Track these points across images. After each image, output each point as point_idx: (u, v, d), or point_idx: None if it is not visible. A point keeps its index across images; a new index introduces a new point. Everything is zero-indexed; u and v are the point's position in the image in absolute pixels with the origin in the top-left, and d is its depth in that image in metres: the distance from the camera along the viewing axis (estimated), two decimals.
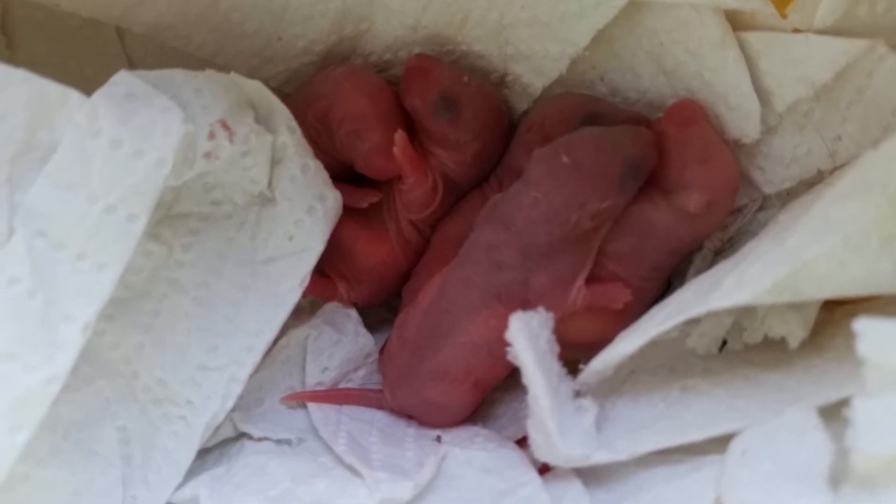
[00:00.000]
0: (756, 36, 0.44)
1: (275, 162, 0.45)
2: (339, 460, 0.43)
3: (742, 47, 0.44)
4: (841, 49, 0.41)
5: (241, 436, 0.47)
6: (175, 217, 0.45)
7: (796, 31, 0.42)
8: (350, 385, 0.50)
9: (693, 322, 0.42)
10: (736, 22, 0.44)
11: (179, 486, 0.43)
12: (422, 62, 0.48)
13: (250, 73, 0.47)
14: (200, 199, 0.45)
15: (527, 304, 0.43)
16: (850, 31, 0.41)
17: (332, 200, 0.47)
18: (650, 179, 0.45)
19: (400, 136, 0.48)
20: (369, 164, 0.49)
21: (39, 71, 0.39)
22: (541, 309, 0.41)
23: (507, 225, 0.44)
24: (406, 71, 0.49)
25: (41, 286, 0.37)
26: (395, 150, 0.48)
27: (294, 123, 0.45)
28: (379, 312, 0.55)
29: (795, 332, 0.40)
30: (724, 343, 0.44)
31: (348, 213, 0.49)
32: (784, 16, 0.42)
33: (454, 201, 0.52)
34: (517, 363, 0.39)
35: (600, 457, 0.38)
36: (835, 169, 0.45)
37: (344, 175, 0.51)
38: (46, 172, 0.38)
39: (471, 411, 0.48)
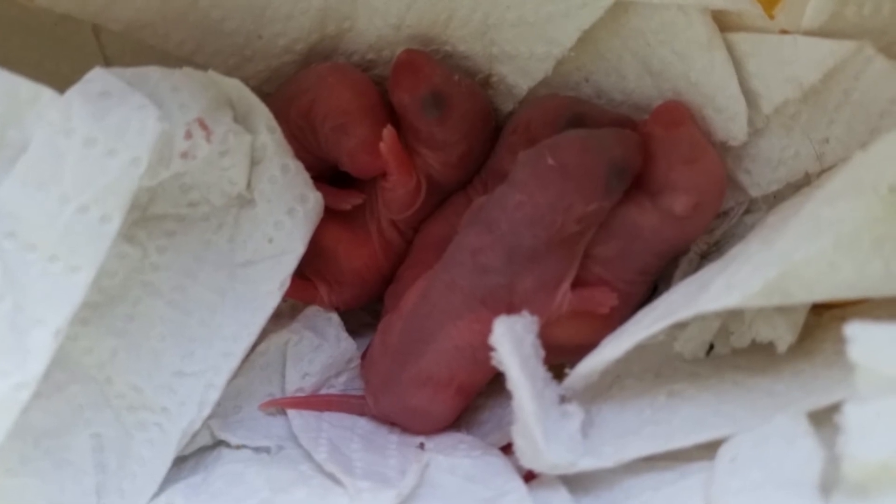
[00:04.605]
0: (743, 37, 0.43)
1: (254, 162, 0.45)
2: (319, 468, 0.42)
3: (729, 48, 0.44)
4: (828, 51, 0.41)
5: (219, 443, 0.46)
6: (150, 218, 0.44)
7: (784, 32, 0.42)
8: (331, 391, 0.49)
9: (680, 326, 0.42)
10: (723, 23, 0.44)
11: (155, 495, 0.43)
12: (412, 57, 0.47)
13: (230, 72, 0.46)
14: (177, 200, 0.44)
15: (512, 309, 0.43)
16: (838, 33, 0.41)
17: (312, 202, 0.46)
18: (636, 182, 0.45)
19: (389, 131, 0.47)
20: (354, 160, 0.48)
21: (14, 69, 0.38)
22: (525, 313, 0.41)
23: (492, 228, 0.44)
24: (395, 65, 0.48)
25: (11, 289, 0.36)
26: (382, 145, 0.47)
27: (274, 123, 0.45)
28: (361, 316, 0.54)
29: (783, 337, 0.39)
30: (711, 347, 0.43)
31: (329, 215, 0.48)
32: (772, 17, 0.42)
33: (437, 203, 0.52)
34: (501, 368, 0.39)
35: (586, 463, 0.38)
36: (822, 171, 0.45)
37: (326, 176, 0.50)
38: (17, 172, 0.37)
39: (454, 417, 0.47)
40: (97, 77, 0.39)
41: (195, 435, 0.44)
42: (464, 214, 0.47)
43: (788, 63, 0.42)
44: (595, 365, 0.39)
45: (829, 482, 0.32)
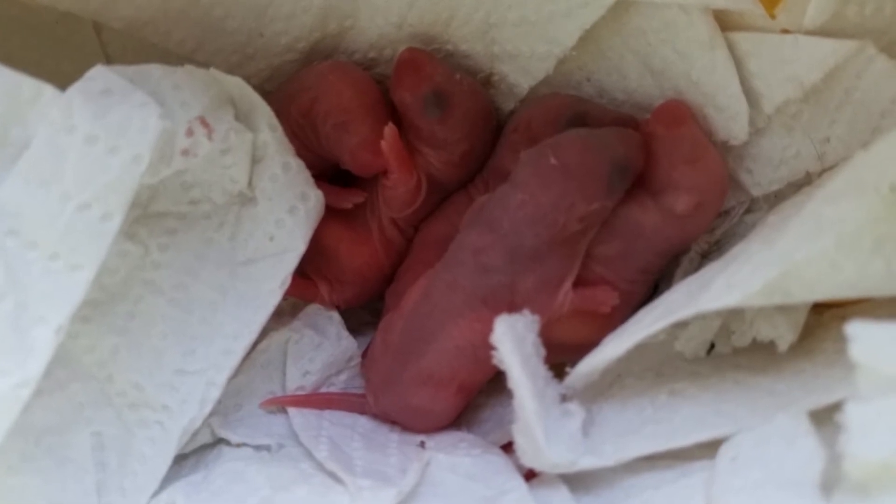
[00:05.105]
0: (745, 36, 0.43)
1: (255, 160, 0.44)
2: (319, 467, 0.42)
3: (730, 48, 0.44)
4: (830, 50, 0.41)
5: (219, 441, 0.46)
6: (151, 216, 0.44)
7: (785, 31, 0.42)
8: (332, 389, 0.49)
9: (680, 325, 0.42)
10: (724, 22, 0.44)
11: (156, 493, 0.43)
12: (414, 56, 0.47)
13: (231, 71, 0.46)
14: (178, 197, 0.44)
15: (513, 308, 0.43)
16: (839, 32, 0.41)
17: (314, 200, 0.46)
18: (638, 181, 0.44)
19: (390, 129, 0.47)
20: (356, 158, 0.48)
21: (15, 67, 0.38)
22: (526, 312, 0.41)
23: (494, 227, 0.44)
24: (397, 64, 0.48)
25: (12, 288, 0.36)
26: (383, 143, 0.47)
27: (275, 121, 0.45)
28: (361, 315, 0.54)
29: (784, 336, 0.39)
30: (712, 346, 0.43)
31: (330, 214, 0.48)
32: (773, 16, 0.42)
33: (439, 202, 0.51)
34: (502, 367, 0.39)
35: (587, 462, 0.38)
36: (823, 171, 0.44)
37: (327, 174, 0.50)
38: (18, 169, 0.37)
39: (455, 416, 0.47)
40: (98, 75, 0.39)
41: (196, 433, 0.44)
42: (465, 213, 0.47)
43: (790, 62, 0.42)
44: (596, 364, 0.39)
45: (830, 481, 0.32)
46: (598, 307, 0.44)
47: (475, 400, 0.48)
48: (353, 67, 0.49)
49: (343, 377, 0.50)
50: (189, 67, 0.42)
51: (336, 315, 0.51)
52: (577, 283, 0.44)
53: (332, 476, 0.41)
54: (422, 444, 0.46)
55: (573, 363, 0.40)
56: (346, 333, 0.50)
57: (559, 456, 0.37)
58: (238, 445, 0.45)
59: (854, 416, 0.30)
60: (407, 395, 0.46)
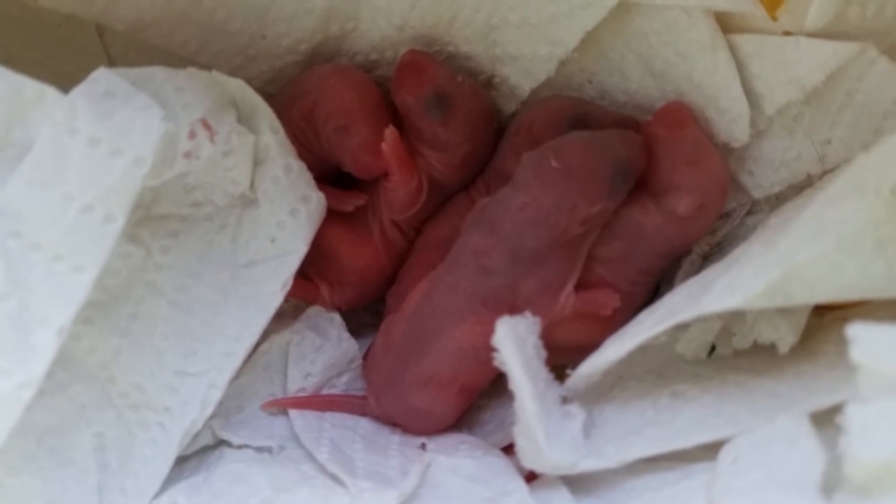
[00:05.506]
0: (746, 38, 0.43)
1: (257, 162, 0.45)
2: (321, 469, 0.42)
3: (732, 50, 0.44)
4: (831, 52, 0.41)
5: (221, 443, 0.46)
6: (154, 218, 0.44)
7: (787, 33, 0.42)
8: (333, 391, 0.49)
9: (682, 327, 0.42)
10: (726, 24, 0.44)
11: (157, 495, 0.43)
12: (416, 58, 0.47)
13: (233, 72, 0.46)
14: (180, 200, 0.44)
15: (514, 310, 0.43)
16: (841, 34, 0.41)
17: (315, 202, 0.46)
18: (639, 183, 0.45)
19: (391, 131, 0.47)
20: (357, 160, 0.48)
21: (17, 68, 0.38)
22: (528, 314, 0.41)
23: (495, 229, 0.44)
24: (399, 66, 0.48)
25: (15, 289, 0.36)
26: (384, 145, 0.47)
27: (277, 123, 0.45)
28: (363, 317, 0.54)
29: (785, 338, 0.39)
30: (713, 348, 0.43)
31: (332, 216, 0.48)
32: (774, 18, 0.42)
33: (440, 203, 0.52)
34: (504, 369, 0.39)
35: (588, 464, 0.38)
36: (824, 173, 0.45)
37: (328, 176, 0.50)
38: (21, 171, 0.37)
39: (456, 418, 0.47)
40: (101, 77, 0.39)
41: (197, 434, 0.44)
42: (466, 215, 0.47)
43: (791, 64, 0.42)
44: (597, 366, 0.39)
45: (831, 483, 0.32)
46: (599, 309, 0.44)
47: (476, 402, 0.48)
48: (354, 70, 0.49)
49: (344, 379, 0.50)
50: (191, 70, 0.42)
51: (337, 317, 0.51)
52: (579, 285, 0.44)
53: (334, 478, 0.42)
54: (423, 446, 0.46)
55: (574, 365, 0.40)
56: (347, 335, 0.50)
57: (560, 457, 0.37)
58: (239, 447, 0.45)
59: (855, 417, 0.30)
60: (408, 396, 0.46)
